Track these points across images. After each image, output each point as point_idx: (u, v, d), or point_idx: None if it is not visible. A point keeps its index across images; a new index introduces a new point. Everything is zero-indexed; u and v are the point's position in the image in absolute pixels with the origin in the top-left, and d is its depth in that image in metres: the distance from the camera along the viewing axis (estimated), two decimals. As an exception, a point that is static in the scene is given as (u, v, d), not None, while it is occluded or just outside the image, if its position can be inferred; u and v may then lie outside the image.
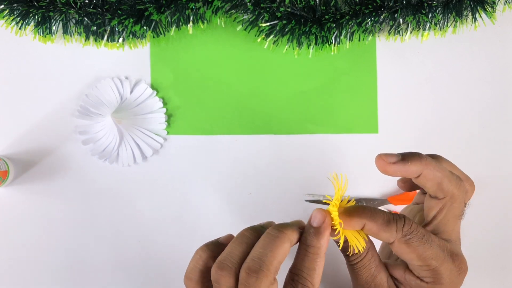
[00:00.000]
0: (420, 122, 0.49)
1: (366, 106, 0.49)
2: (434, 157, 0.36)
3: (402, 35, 0.47)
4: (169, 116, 0.49)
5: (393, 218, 0.32)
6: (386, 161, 0.33)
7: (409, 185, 0.39)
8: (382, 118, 0.49)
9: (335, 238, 0.33)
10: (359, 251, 0.33)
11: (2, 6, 0.43)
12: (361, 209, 0.33)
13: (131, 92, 0.48)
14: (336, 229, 0.32)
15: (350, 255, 0.34)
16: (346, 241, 0.33)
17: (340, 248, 0.34)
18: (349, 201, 0.34)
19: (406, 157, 0.33)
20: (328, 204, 0.33)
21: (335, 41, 0.46)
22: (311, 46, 0.46)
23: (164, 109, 0.48)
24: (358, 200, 0.48)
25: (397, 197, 0.48)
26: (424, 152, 0.49)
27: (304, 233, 0.33)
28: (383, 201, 0.48)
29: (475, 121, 0.49)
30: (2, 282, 0.47)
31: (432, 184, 0.33)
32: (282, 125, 0.49)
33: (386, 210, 0.48)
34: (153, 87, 0.49)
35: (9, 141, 0.48)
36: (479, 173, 0.49)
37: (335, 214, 0.32)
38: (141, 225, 0.48)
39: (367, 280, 0.34)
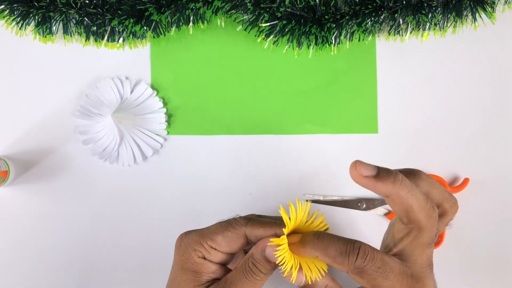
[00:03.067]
0: (420, 122, 0.49)
1: (366, 106, 0.49)
2: (413, 174, 0.34)
3: (402, 35, 0.47)
4: (169, 116, 0.49)
5: (346, 251, 0.31)
6: (358, 172, 0.31)
7: None
8: (382, 118, 0.49)
9: (283, 267, 0.33)
10: (315, 279, 0.33)
11: (3, 6, 0.43)
12: (315, 239, 0.32)
13: (131, 92, 0.48)
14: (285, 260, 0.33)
15: (302, 285, 0.34)
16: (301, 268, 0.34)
17: (284, 275, 0.34)
18: (315, 218, 0.35)
19: (379, 175, 0.31)
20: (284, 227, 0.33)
21: (335, 41, 0.46)
22: (311, 46, 0.46)
23: (164, 109, 0.48)
24: (358, 200, 0.48)
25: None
26: (423, 153, 0.49)
27: (253, 255, 0.35)
28: (383, 201, 0.48)
29: (475, 121, 0.49)
30: (2, 282, 0.47)
31: (400, 209, 0.32)
32: (282, 125, 0.49)
33: (385, 210, 0.48)
34: (153, 87, 0.49)
35: (9, 141, 0.48)
36: (479, 173, 0.49)
37: (284, 244, 0.33)
38: (141, 225, 0.48)
39: None
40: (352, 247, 0.31)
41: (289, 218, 0.33)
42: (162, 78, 0.49)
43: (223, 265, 0.37)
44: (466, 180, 0.48)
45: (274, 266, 0.35)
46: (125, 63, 0.49)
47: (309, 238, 0.33)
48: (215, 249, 0.36)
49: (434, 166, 0.49)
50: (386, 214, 0.48)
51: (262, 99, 0.49)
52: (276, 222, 0.36)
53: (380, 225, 0.48)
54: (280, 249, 0.33)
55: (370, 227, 0.49)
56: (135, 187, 0.48)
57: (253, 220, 0.36)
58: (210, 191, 0.49)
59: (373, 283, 0.31)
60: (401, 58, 0.49)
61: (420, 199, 0.31)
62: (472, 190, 0.49)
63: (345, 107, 0.49)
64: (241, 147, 0.49)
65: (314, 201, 0.47)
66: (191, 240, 0.36)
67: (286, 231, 0.33)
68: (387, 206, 0.48)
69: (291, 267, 0.33)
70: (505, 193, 0.49)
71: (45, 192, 0.48)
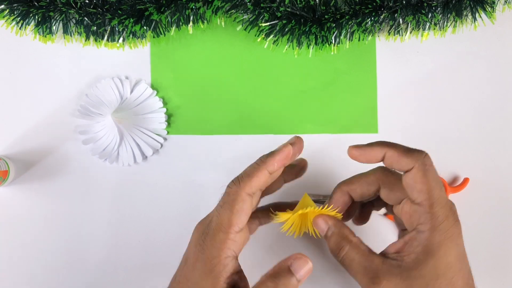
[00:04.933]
0: (420, 122, 0.49)
1: (366, 106, 0.49)
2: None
3: (402, 35, 0.47)
4: (169, 116, 0.49)
5: (414, 149, 0.36)
6: (354, 147, 0.37)
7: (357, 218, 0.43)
8: (382, 118, 0.49)
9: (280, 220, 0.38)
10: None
11: (2, 6, 0.44)
12: (380, 141, 0.37)
13: (131, 92, 0.48)
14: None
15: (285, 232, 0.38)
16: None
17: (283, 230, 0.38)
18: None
19: (371, 143, 0.37)
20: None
21: (335, 41, 0.46)
22: (311, 46, 0.46)
23: (164, 109, 0.48)
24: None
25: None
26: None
27: (278, 274, 0.35)
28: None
29: (475, 121, 0.49)
30: (2, 282, 0.47)
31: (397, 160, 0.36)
32: (282, 125, 0.49)
33: (385, 210, 0.48)
34: (153, 87, 0.49)
35: (9, 141, 0.48)
36: (479, 173, 0.49)
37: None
38: (141, 225, 0.48)
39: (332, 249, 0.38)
40: (418, 149, 0.36)
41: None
42: (162, 78, 0.49)
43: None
44: (466, 180, 0.48)
45: (299, 282, 0.35)
46: (125, 63, 0.49)
47: (375, 142, 0.37)
48: (239, 231, 0.35)
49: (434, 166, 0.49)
50: (385, 214, 0.48)
51: (262, 99, 0.49)
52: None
53: (379, 224, 0.48)
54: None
55: (370, 226, 0.48)
56: (135, 187, 0.48)
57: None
58: (210, 191, 0.48)
59: (431, 185, 0.34)
60: (401, 58, 0.49)
61: (404, 148, 0.36)
62: (472, 190, 0.49)
63: (345, 107, 0.49)
64: (241, 147, 0.49)
65: (314, 201, 0.47)
66: (214, 238, 0.35)
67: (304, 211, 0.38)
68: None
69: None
70: (505, 193, 0.49)
71: (45, 192, 0.48)
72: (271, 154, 0.36)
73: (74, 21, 0.45)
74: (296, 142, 0.38)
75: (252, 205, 0.36)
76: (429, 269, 0.33)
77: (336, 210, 0.38)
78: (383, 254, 0.36)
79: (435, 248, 0.33)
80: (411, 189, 0.35)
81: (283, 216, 0.38)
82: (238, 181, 0.36)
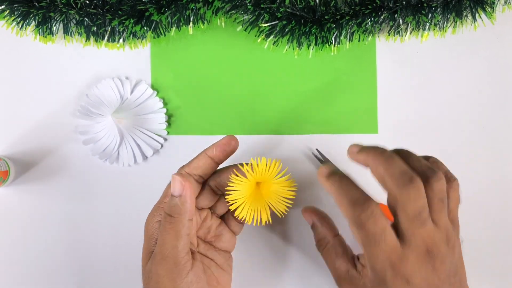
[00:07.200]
0: (420, 122, 0.49)
1: (366, 107, 0.49)
2: (401, 153, 0.35)
3: (402, 36, 0.47)
4: (169, 116, 0.49)
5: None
6: (351, 147, 0.37)
7: None
8: (382, 118, 0.49)
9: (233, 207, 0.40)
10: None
11: (3, 7, 0.44)
12: (371, 149, 0.36)
13: (132, 92, 0.48)
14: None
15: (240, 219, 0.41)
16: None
17: (236, 215, 0.40)
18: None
19: (363, 148, 0.36)
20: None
21: (335, 41, 0.46)
22: (311, 47, 0.46)
23: (165, 109, 0.48)
24: None
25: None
26: (423, 153, 0.49)
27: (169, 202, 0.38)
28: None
29: (475, 121, 0.49)
30: (2, 282, 0.47)
31: (377, 179, 0.34)
32: (282, 125, 0.49)
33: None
34: (153, 87, 0.49)
35: (9, 141, 0.48)
36: (479, 173, 0.49)
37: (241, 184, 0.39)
38: (141, 225, 0.48)
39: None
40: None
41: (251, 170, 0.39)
42: (162, 78, 0.49)
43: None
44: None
45: (182, 204, 0.38)
46: (125, 63, 0.49)
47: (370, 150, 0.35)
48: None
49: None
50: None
51: (262, 99, 0.49)
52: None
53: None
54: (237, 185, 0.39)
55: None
56: (135, 187, 0.48)
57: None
58: (210, 191, 0.48)
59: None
60: (401, 58, 0.49)
61: (392, 168, 0.32)
62: (472, 190, 0.49)
63: (345, 107, 0.49)
64: (241, 147, 0.49)
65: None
66: (151, 213, 0.41)
67: (250, 176, 0.39)
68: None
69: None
70: (505, 193, 0.49)
71: (45, 192, 0.48)
72: (215, 143, 0.41)
73: (74, 21, 0.45)
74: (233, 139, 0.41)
75: (191, 182, 0.40)
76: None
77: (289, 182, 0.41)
78: (358, 258, 0.40)
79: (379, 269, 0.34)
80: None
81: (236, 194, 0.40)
82: (183, 165, 0.41)
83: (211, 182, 0.42)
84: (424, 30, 0.46)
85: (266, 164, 0.39)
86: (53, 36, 0.46)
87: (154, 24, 0.45)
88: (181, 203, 0.37)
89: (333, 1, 0.45)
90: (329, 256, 0.41)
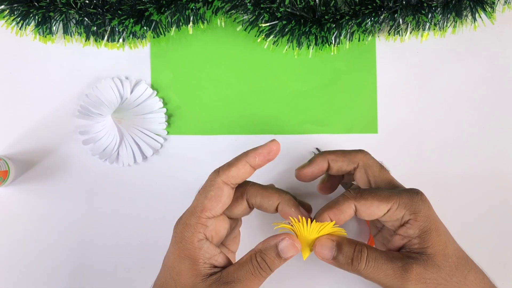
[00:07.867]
0: (420, 122, 0.49)
1: (366, 106, 0.49)
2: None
3: (402, 35, 0.47)
4: (169, 116, 0.49)
5: (352, 150, 0.40)
6: (299, 168, 0.41)
7: (326, 187, 0.45)
8: (381, 118, 0.49)
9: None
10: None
11: (3, 6, 0.44)
12: (319, 153, 0.39)
13: (131, 92, 0.48)
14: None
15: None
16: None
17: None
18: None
19: (312, 160, 0.40)
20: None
21: (335, 41, 0.46)
22: (311, 46, 0.46)
23: (164, 109, 0.48)
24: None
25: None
26: (423, 153, 0.49)
27: (264, 250, 0.35)
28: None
29: (475, 121, 0.49)
30: (2, 282, 0.47)
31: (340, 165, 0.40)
32: (282, 125, 0.49)
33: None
34: (153, 87, 0.49)
35: (9, 141, 0.48)
36: (479, 173, 0.49)
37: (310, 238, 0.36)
38: (141, 225, 0.48)
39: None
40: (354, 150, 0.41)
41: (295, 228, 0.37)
42: (162, 78, 0.49)
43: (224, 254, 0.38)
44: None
45: (284, 262, 0.35)
46: (125, 63, 0.49)
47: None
48: (212, 217, 0.36)
49: (434, 165, 0.49)
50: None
51: (262, 99, 0.49)
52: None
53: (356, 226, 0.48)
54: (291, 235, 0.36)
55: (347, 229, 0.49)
56: (135, 187, 0.48)
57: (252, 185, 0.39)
58: (210, 191, 0.48)
59: None
60: (401, 58, 0.49)
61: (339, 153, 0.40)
62: (472, 190, 0.49)
63: (345, 107, 0.49)
64: (241, 147, 0.49)
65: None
66: (186, 222, 0.36)
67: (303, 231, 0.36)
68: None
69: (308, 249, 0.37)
70: (504, 192, 0.49)
71: (45, 192, 0.48)
72: (255, 147, 0.37)
73: (74, 21, 0.45)
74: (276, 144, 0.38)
75: (230, 194, 0.37)
76: (437, 245, 0.36)
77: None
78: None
79: (427, 231, 0.36)
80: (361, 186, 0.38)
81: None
82: (218, 170, 0.37)
83: (243, 191, 0.39)
84: (424, 30, 0.46)
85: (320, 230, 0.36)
86: (53, 36, 0.46)
87: (154, 24, 0.45)
88: (278, 265, 0.35)
89: (333, 1, 0.45)
90: (374, 258, 0.35)
